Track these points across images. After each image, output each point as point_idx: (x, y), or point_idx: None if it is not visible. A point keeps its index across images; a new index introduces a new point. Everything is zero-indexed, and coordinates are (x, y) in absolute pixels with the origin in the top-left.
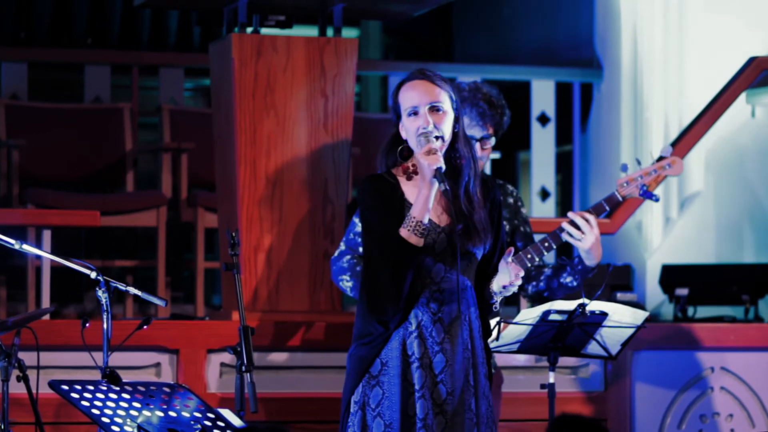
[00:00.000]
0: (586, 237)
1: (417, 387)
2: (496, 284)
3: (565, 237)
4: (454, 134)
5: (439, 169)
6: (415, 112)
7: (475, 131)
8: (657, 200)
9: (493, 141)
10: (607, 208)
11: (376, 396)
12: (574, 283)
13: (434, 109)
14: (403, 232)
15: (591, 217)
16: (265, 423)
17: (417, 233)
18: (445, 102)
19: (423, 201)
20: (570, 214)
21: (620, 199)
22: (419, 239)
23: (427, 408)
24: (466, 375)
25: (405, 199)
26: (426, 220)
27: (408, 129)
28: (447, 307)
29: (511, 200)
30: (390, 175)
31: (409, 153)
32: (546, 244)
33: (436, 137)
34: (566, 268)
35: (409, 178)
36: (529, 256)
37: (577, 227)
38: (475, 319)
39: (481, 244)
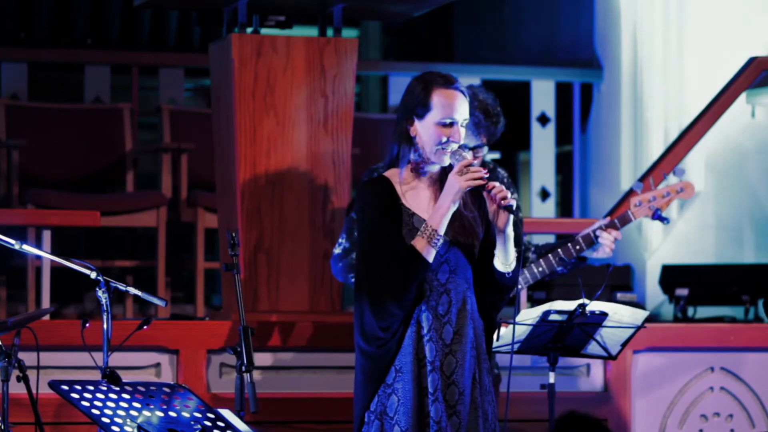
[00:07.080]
0: (608, 252)
1: (431, 390)
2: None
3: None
4: None
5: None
6: (450, 124)
7: (468, 140)
8: (668, 222)
9: (485, 150)
10: (619, 227)
11: (392, 404)
12: (565, 271)
13: (464, 126)
14: (419, 242)
15: (618, 234)
16: None
17: (432, 244)
18: None
19: (442, 213)
20: (600, 232)
21: (633, 219)
22: (432, 250)
23: (441, 410)
24: (473, 374)
25: (401, 205)
26: (443, 232)
27: (431, 134)
28: (455, 308)
29: None
30: (385, 178)
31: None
32: (557, 258)
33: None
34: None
35: (416, 175)
36: (540, 269)
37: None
38: (478, 318)
39: (476, 239)
